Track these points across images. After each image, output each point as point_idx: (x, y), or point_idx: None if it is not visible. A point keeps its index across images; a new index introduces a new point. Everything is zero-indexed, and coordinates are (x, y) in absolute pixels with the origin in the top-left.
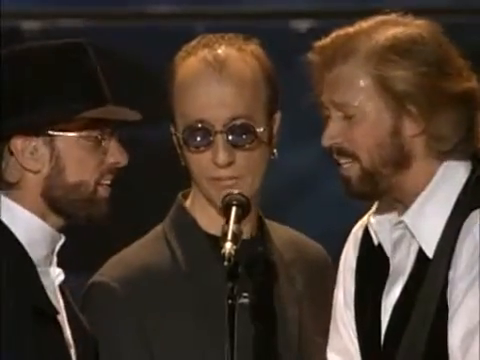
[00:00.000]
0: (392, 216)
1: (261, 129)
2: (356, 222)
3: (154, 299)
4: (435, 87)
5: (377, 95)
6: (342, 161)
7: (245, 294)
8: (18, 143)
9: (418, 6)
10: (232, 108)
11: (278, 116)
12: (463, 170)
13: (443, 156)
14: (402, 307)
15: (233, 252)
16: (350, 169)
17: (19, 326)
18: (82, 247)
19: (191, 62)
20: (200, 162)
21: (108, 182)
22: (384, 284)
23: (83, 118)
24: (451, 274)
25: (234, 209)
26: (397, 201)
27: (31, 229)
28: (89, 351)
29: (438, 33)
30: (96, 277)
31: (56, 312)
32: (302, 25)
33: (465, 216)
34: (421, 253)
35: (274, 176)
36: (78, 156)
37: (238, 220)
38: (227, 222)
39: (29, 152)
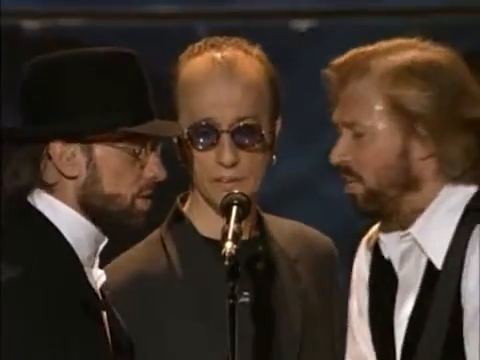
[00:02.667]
0: (398, 227)
1: (266, 131)
2: (354, 226)
3: (150, 305)
4: (447, 111)
5: (388, 115)
6: (348, 179)
7: (246, 293)
8: (57, 147)
9: (418, 6)
10: (239, 108)
11: (279, 122)
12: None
13: (452, 181)
14: (417, 319)
15: (233, 251)
16: (355, 188)
17: (66, 322)
18: None
19: (198, 61)
20: (204, 161)
21: (147, 195)
22: (395, 296)
23: (124, 131)
24: (464, 284)
25: (235, 208)
26: (405, 219)
27: (76, 227)
28: (126, 350)
29: (456, 60)
30: None
31: (103, 308)
32: (302, 25)
33: (473, 226)
34: (430, 265)
35: (273, 179)
36: (115, 167)
37: (239, 219)
38: (228, 221)
39: (66, 158)
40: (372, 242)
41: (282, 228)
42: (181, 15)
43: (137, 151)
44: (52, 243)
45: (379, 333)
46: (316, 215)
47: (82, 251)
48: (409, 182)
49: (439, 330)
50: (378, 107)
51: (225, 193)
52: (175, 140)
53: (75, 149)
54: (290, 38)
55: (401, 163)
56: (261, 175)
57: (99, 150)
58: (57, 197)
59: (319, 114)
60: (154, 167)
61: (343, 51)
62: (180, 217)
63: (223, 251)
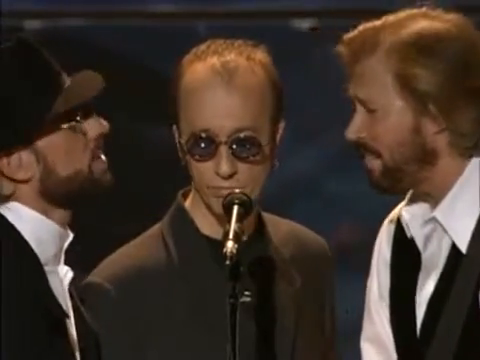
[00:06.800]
0: (424, 210)
1: (265, 142)
2: (355, 224)
3: (149, 300)
4: (456, 86)
5: (397, 93)
6: (365, 155)
7: (247, 293)
8: (1, 159)
9: (417, 6)
10: (238, 119)
11: (282, 125)
12: None
13: (468, 152)
14: (436, 302)
15: (235, 251)
16: (373, 163)
17: (25, 328)
18: (81, 248)
19: (199, 68)
20: (202, 171)
21: (99, 154)
22: (417, 277)
23: (49, 115)
24: None
25: (236, 208)
26: (427, 195)
27: (38, 228)
28: (92, 351)
29: (467, 28)
30: (90, 278)
31: (64, 315)
32: (303, 24)
33: None
34: (453, 248)
35: (274, 178)
36: (62, 149)
37: (240, 219)
38: (229, 221)
39: (15, 165)
40: (394, 222)
41: (278, 228)
42: (181, 15)
43: (73, 123)
44: (11, 245)
45: (399, 313)
46: (317, 215)
47: (47, 250)
48: (424, 157)
49: (458, 314)
50: (387, 84)
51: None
52: (178, 146)
53: (19, 153)
54: (291, 38)
55: (414, 138)
56: (260, 184)
57: (41, 142)
58: (19, 202)
59: (320, 114)
60: (95, 126)
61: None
62: (181, 213)
63: (224, 250)
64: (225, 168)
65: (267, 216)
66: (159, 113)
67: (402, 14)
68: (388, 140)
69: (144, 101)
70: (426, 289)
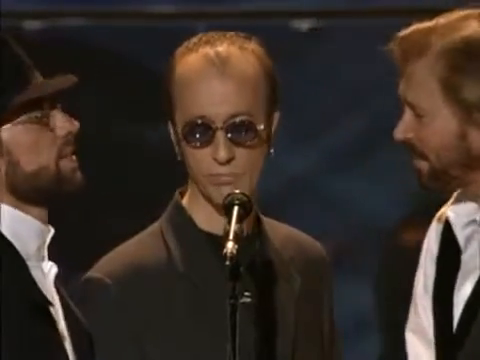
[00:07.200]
0: (469, 210)
1: (261, 127)
2: (356, 223)
3: (148, 297)
4: None
5: (443, 100)
6: (414, 155)
7: (247, 293)
8: None
9: (417, 6)
10: (233, 105)
11: (277, 115)
12: None
13: None
14: (473, 304)
15: (235, 252)
16: (421, 164)
17: (10, 320)
18: (80, 247)
19: (192, 58)
20: (199, 158)
21: (68, 152)
22: (456, 277)
23: (16, 105)
24: None
25: (236, 209)
26: (476, 196)
27: (15, 223)
28: (84, 344)
29: None
30: (90, 273)
31: (49, 303)
32: (303, 25)
33: None
34: None
35: (273, 177)
36: (26, 143)
37: (240, 220)
38: (229, 222)
39: None
40: (443, 218)
41: (276, 231)
42: (181, 15)
43: (39, 116)
44: None
45: (439, 309)
46: (317, 215)
47: (27, 246)
48: (470, 162)
49: None
50: (434, 90)
51: (224, 189)
52: (173, 137)
53: None
54: (291, 38)
55: (460, 144)
56: (258, 172)
57: (4, 133)
58: None
59: (320, 114)
60: (63, 123)
61: (344, 51)
62: (179, 211)
63: (224, 251)
64: (223, 153)
65: (265, 219)
66: (159, 113)
67: (454, 16)
68: (434, 144)
69: (144, 101)
70: (464, 290)
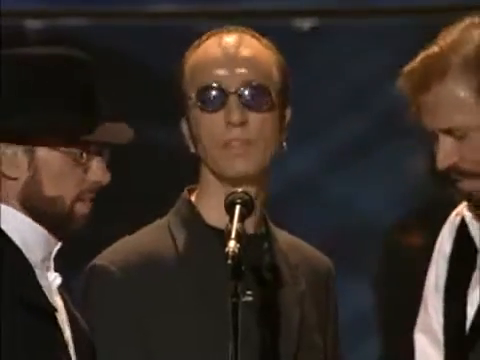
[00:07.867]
0: None
1: (275, 93)
2: (356, 223)
3: (153, 286)
4: None
5: None
6: (459, 178)
7: (249, 292)
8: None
9: (418, 6)
10: (248, 71)
11: (289, 112)
12: None
13: None
14: None
15: (237, 251)
16: (469, 185)
17: (16, 325)
18: (82, 248)
19: (204, 47)
20: (213, 124)
21: (88, 198)
22: (471, 276)
23: (73, 137)
24: None
25: (238, 207)
26: None
27: (24, 231)
28: (87, 353)
29: None
30: (96, 260)
31: (54, 309)
32: (304, 24)
33: None
34: None
35: (273, 177)
36: (56, 170)
37: (242, 219)
38: (231, 221)
39: (7, 158)
40: (459, 217)
41: (282, 236)
42: (183, 14)
43: (80, 155)
44: None
45: (451, 308)
46: (317, 215)
47: (34, 254)
48: None
49: None
50: (472, 104)
51: (235, 162)
52: (184, 131)
53: (17, 149)
54: (291, 37)
55: None
56: (272, 142)
57: (41, 152)
58: (3, 202)
59: (320, 114)
60: (98, 171)
61: (345, 50)
62: (188, 205)
63: (226, 250)
64: (236, 115)
65: (271, 225)
66: (160, 113)
67: (456, 30)
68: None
69: (145, 101)
70: (477, 291)
